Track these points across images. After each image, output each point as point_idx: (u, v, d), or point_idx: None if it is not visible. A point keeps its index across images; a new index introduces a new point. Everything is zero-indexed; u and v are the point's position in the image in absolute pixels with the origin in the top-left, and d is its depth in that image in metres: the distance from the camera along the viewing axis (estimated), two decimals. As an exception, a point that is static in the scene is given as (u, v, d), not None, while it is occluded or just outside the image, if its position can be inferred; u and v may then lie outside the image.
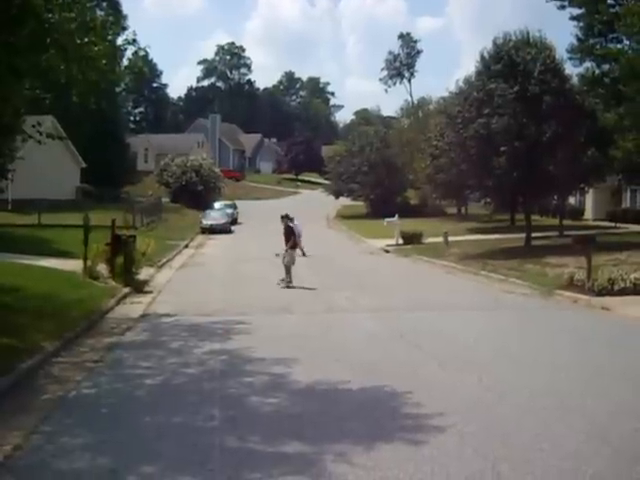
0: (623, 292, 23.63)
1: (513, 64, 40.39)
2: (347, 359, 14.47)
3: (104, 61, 17.64)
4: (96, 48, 16.92)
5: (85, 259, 26.39)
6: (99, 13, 19.82)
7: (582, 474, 8.18)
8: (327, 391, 12.05)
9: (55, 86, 20.02)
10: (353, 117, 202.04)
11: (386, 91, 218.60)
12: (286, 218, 29.99)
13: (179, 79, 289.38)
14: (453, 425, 10.01)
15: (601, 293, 23.59)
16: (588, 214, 68.02)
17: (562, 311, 22.52)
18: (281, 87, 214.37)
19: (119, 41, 19.56)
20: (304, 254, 38.01)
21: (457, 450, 9.02)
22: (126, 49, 19.39)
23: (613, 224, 58.64)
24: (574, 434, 9.69)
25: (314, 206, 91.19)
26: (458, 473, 8.19)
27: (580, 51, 59.84)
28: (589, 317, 21.23)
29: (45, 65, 16.67)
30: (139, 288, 25.90)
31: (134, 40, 19.17)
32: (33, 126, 19.06)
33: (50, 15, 15.72)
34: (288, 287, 27.09)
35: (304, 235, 38.92)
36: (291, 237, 28.95)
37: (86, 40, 16.80)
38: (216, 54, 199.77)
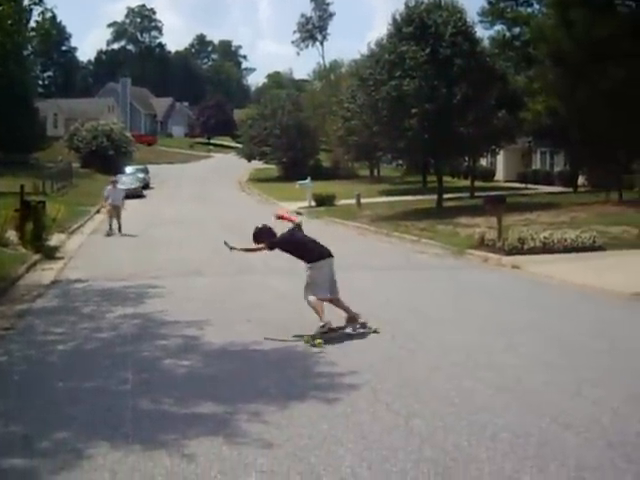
0: (533, 251, 24.03)
1: (424, 27, 40.66)
2: (259, 320, 14.47)
3: (10, 22, 17.31)
4: (0, 8, 16.58)
5: (-7, 226, 25.97)
6: (4, -27, 19.32)
7: (492, 426, 8.34)
8: (240, 352, 12.06)
9: (-41, 49, 19.58)
10: (265, 80, 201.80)
11: (298, 54, 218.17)
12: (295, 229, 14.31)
13: (89, 42, 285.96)
14: (366, 383, 10.11)
15: (511, 252, 23.95)
16: (499, 175, 69.07)
17: (473, 270, 22.85)
18: (192, 50, 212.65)
19: (25, 2, 19.17)
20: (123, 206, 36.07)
21: (370, 407, 9.11)
22: (32, 9, 19.00)
23: (523, 185, 59.61)
24: (484, 388, 9.87)
25: (227, 170, 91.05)
26: (372, 429, 8.28)
27: (491, 14, 60.62)
28: (499, 275, 21.56)
29: (-53, 26, 16.30)
30: (50, 254, 25.56)
31: (40, 1, 18.83)
32: (-64, 89, 18.67)
33: (-48, -26, 15.35)
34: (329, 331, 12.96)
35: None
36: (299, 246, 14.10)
37: (-10, 0, 16.48)
38: (126, 17, 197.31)
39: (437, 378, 10.42)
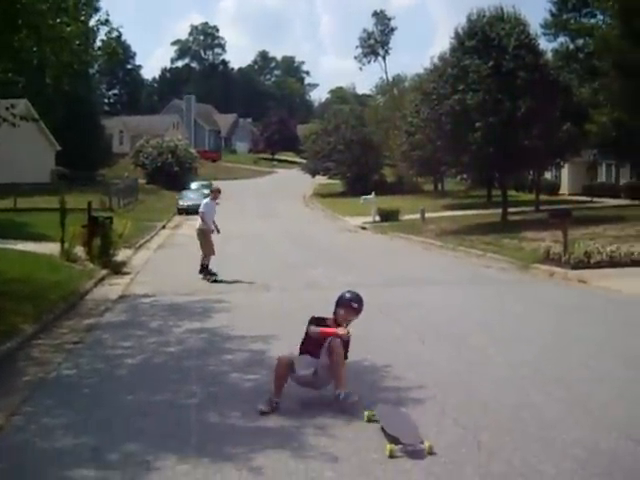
0: (599, 265, 23.82)
1: (487, 40, 40.52)
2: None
3: (77, 42, 17.56)
4: (69, 29, 16.83)
5: (62, 242, 26.29)
6: (71, -6, 19.63)
7: (561, 442, 8.26)
8: (307, 366, 12.08)
9: (28, 68, 19.90)
10: (328, 96, 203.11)
11: (361, 69, 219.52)
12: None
13: (153, 60, 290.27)
14: (433, 397, 10.07)
15: (577, 266, 23.74)
16: (564, 189, 68.45)
17: (538, 284, 22.70)
18: (256, 67, 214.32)
19: (92, 22, 19.42)
20: (218, 231, 25.37)
21: (437, 421, 9.07)
22: (99, 29, 19.23)
23: (589, 198, 59.01)
24: (553, 403, 9.78)
25: (291, 185, 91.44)
26: (439, 444, 8.21)
27: (554, 26, 60.12)
28: (565, 290, 21.38)
29: (17, 46, 16.58)
30: (117, 269, 25.82)
31: (107, 20, 19.03)
32: (7, 109, 18.98)
33: (22, -5, 15.63)
34: None
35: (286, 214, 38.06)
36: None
37: (58, 21, 16.72)
38: (190, 34, 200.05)
39: (505, 393, 10.34)
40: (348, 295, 10.36)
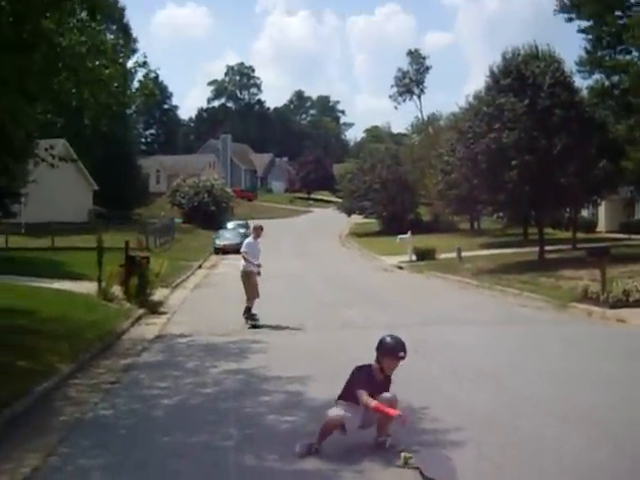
0: (638, 304, 23.51)
1: (522, 78, 40.43)
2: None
3: (115, 84, 17.73)
4: (107, 71, 16.99)
5: (99, 281, 26.41)
6: (109, 36, 19.88)
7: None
8: (344, 408, 12.01)
9: (67, 110, 20.08)
10: (364, 135, 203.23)
11: (396, 108, 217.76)
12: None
13: (190, 100, 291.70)
14: (470, 439, 9.99)
15: (616, 305, 23.50)
16: (601, 226, 67.87)
17: (576, 324, 22.48)
18: (291, 106, 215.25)
19: (129, 64, 19.63)
20: (258, 273, 23.30)
21: (475, 463, 8.99)
22: (137, 71, 19.42)
23: (627, 236, 58.47)
24: (593, 445, 9.68)
25: (327, 224, 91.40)
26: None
27: (589, 63, 59.75)
28: (604, 329, 21.19)
29: (57, 88, 16.77)
30: (154, 309, 25.90)
31: (144, 62, 19.20)
32: (45, 149, 19.18)
33: (62, 39, 15.81)
34: None
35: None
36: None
37: (97, 63, 16.90)
38: (226, 74, 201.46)
39: (543, 434, 10.23)
40: (391, 341, 9.92)
